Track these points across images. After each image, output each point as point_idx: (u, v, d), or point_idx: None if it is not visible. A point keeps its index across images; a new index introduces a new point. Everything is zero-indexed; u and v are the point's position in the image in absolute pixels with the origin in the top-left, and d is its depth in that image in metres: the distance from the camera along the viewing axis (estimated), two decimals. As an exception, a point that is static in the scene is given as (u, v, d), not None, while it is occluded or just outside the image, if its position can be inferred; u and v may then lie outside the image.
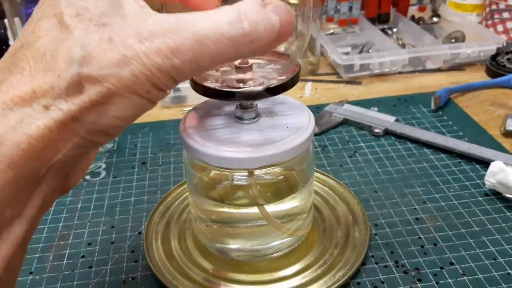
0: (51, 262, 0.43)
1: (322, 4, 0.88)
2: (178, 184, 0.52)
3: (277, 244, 0.42)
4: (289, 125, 0.38)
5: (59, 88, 0.23)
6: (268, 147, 0.36)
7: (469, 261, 0.42)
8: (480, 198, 0.49)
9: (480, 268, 0.41)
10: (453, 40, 0.84)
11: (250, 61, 0.37)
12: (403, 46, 0.85)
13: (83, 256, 0.44)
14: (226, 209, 0.41)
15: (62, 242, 0.45)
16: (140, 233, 0.46)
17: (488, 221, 0.46)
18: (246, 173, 0.38)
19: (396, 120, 0.62)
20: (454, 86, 0.70)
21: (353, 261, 0.41)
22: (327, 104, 0.67)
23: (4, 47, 0.76)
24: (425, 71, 0.78)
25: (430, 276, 0.40)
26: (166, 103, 0.70)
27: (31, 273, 0.42)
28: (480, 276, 0.40)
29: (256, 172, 0.38)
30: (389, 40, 0.83)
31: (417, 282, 0.40)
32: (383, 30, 0.89)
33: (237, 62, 0.37)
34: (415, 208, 0.48)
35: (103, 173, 0.55)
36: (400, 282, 0.40)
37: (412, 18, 0.94)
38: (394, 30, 0.91)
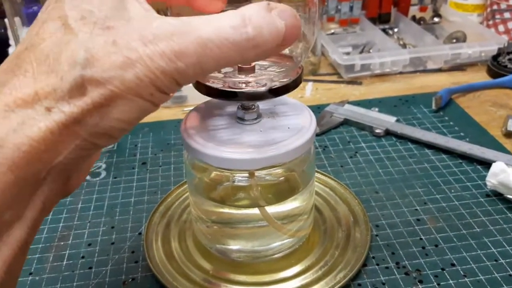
0: (51, 263, 0.43)
1: (323, 4, 0.88)
2: (179, 185, 0.52)
3: (278, 245, 0.42)
4: (290, 126, 0.38)
5: (62, 90, 0.23)
6: (269, 148, 0.36)
7: (471, 262, 0.42)
8: (482, 199, 0.49)
9: (482, 269, 0.41)
10: (454, 40, 0.83)
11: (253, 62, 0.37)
12: (404, 46, 0.84)
13: (83, 257, 0.44)
14: (226, 210, 0.41)
15: (62, 243, 0.45)
16: (140, 233, 0.46)
17: (489, 222, 0.46)
18: (247, 174, 0.38)
19: (397, 120, 0.62)
20: (455, 86, 0.70)
21: (354, 262, 0.41)
22: (327, 104, 0.67)
23: (5, 47, 0.76)
24: (426, 71, 0.78)
25: (431, 277, 0.40)
26: (166, 103, 0.70)
27: (31, 273, 0.42)
28: (481, 277, 0.40)
29: (257, 173, 0.38)
30: (390, 40, 0.83)
31: (418, 283, 0.40)
32: (384, 30, 0.88)
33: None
34: (416, 209, 0.48)
35: (103, 173, 0.55)
36: (401, 283, 0.40)
37: (413, 18, 0.94)
38: (395, 30, 0.91)
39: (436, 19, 0.93)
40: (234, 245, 0.42)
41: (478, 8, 0.94)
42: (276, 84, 0.36)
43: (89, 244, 0.45)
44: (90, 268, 0.42)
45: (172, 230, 0.46)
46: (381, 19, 0.92)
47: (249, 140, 0.37)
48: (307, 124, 0.39)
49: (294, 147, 0.36)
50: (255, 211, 0.39)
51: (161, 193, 0.51)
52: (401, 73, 0.77)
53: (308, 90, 0.74)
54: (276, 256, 0.42)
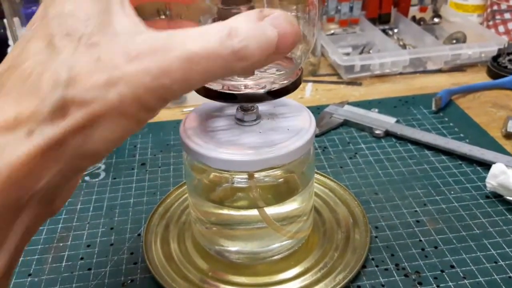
0: (50, 264, 0.43)
1: (322, 5, 0.88)
2: (178, 186, 0.52)
3: (277, 246, 0.41)
4: (290, 127, 0.38)
5: (43, 112, 0.22)
6: (268, 150, 0.36)
7: (470, 264, 0.42)
8: (481, 201, 0.49)
9: (481, 271, 0.41)
10: (454, 41, 0.83)
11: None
12: (404, 46, 0.84)
13: (82, 258, 0.44)
14: (225, 211, 0.41)
15: (61, 244, 0.45)
16: (139, 235, 0.46)
17: (489, 223, 0.46)
18: (246, 176, 0.38)
19: (397, 121, 0.62)
20: (455, 87, 0.70)
21: (353, 264, 0.41)
22: (327, 105, 0.67)
23: (4, 47, 0.76)
24: (426, 72, 0.78)
25: (431, 279, 0.40)
26: (166, 104, 0.69)
27: (29, 275, 0.42)
28: (481, 279, 0.40)
29: (256, 175, 0.38)
30: (390, 41, 0.83)
31: (418, 285, 0.40)
32: (383, 31, 0.88)
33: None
34: (416, 211, 0.48)
35: (103, 174, 0.55)
36: (401, 285, 0.40)
37: (413, 18, 0.94)
38: (395, 30, 0.91)
39: (436, 20, 0.93)
40: (233, 247, 0.42)
41: (478, 9, 0.94)
42: (276, 86, 0.35)
43: (88, 245, 0.45)
44: (89, 269, 0.42)
45: (171, 231, 0.46)
46: (381, 19, 0.92)
47: (249, 142, 0.37)
48: (307, 125, 0.39)
49: (293, 148, 0.36)
50: (254, 212, 0.39)
51: (160, 194, 0.51)
52: (401, 73, 0.77)
53: (308, 90, 0.74)
54: (275, 257, 0.42)
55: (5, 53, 0.75)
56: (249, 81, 0.36)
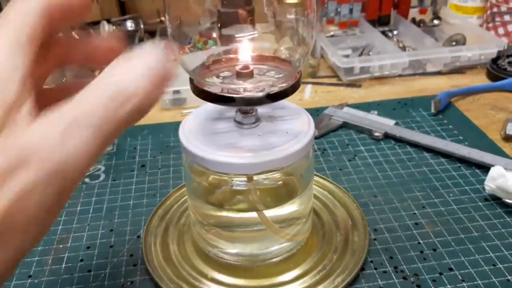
0: (50, 266, 0.43)
1: (322, 6, 0.88)
2: (177, 188, 0.52)
3: (276, 249, 0.42)
4: (288, 130, 0.38)
5: None
6: (267, 153, 0.36)
7: (469, 267, 0.42)
8: (480, 203, 0.49)
9: (480, 274, 0.41)
10: (453, 43, 0.83)
11: (251, 66, 0.37)
12: (403, 48, 0.84)
13: (82, 260, 0.44)
14: (225, 214, 0.41)
15: (61, 246, 0.45)
16: (139, 236, 0.46)
17: (487, 226, 0.46)
18: (245, 179, 0.38)
19: (396, 123, 0.62)
20: (454, 89, 0.70)
21: (352, 266, 0.41)
22: (326, 107, 0.67)
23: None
24: (425, 74, 0.78)
25: (429, 282, 0.40)
26: (165, 105, 0.70)
27: (30, 276, 0.42)
28: (479, 282, 0.40)
29: (256, 178, 0.38)
30: (389, 43, 0.83)
31: (416, 288, 0.40)
32: (383, 33, 0.89)
33: (238, 68, 0.37)
34: (415, 213, 0.48)
35: (102, 176, 0.55)
36: (399, 288, 0.40)
37: (413, 20, 0.94)
38: (395, 32, 0.91)
39: (436, 22, 0.94)
40: (232, 249, 0.42)
41: (478, 11, 0.94)
42: (275, 89, 0.36)
43: (88, 247, 0.45)
44: (89, 271, 0.42)
45: (170, 233, 0.46)
46: (380, 21, 0.93)
47: (248, 145, 0.37)
48: (305, 128, 0.39)
49: (292, 151, 0.36)
50: (253, 215, 0.39)
51: (160, 196, 0.52)
52: (400, 76, 0.77)
53: (307, 92, 0.74)
54: (274, 260, 0.42)
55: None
56: (248, 84, 0.36)
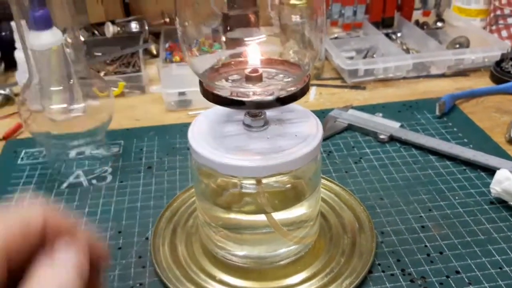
0: (59, 268, 0.43)
1: (326, 8, 0.88)
2: (184, 190, 0.52)
3: (284, 251, 0.42)
4: (297, 133, 0.39)
5: None
6: (276, 156, 0.36)
7: (475, 270, 0.42)
8: (486, 206, 0.49)
9: (486, 277, 0.41)
10: (457, 46, 0.84)
11: (260, 70, 0.37)
12: (407, 51, 0.85)
13: (90, 262, 0.44)
14: (233, 216, 0.41)
15: (70, 247, 0.45)
16: (147, 238, 0.46)
17: (493, 229, 0.46)
18: (254, 181, 0.38)
19: (401, 126, 0.62)
20: (458, 92, 0.70)
21: (359, 269, 0.42)
22: (331, 109, 0.67)
23: (11, 49, 0.76)
24: (429, 76, 0.78)
25: (437, 284, 0.41)
26: (171, 107, 0.70)
27: (39, 278, 0.42)
28: (486, 285, 0.40)
29: (264, 181, 0.38)
30: (393, 45, 0.83)
31: (424, 290, 0.40)
32: (387, 35, 0.89)
33: (247, 71, 0.37)
34: (421, 216, 0.48)
35: (110, 178, 0.55)
36: (407, 290, 0.40)
37: (417, 22, 0.94)
38: (398, 34, 0.91)
39: (439, 24, 0.94)
40: (240, 251, 0.42)
41: (482, 13, 0.94)
42: (284, 92, 0.36)
43: (96, 249, 0.45)
44: (98, 273, 0.43)
45: (178, 235, 0.47)
46: (384, 23, 0.93)
47: (257, 148, 0.37)
48: (314, 131, 0.39)
49: (301, 155, 0.37)
50: (262, 217, 0.40)
51: (167, 197, 0.52)
52: (404, 78, 0.78)
53: (312, 94, 0.74)
54: (282, 262, 0.42)
55: (12, 56, 0.75)
56: (257, 88, 0.36)
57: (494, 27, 0.90)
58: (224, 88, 0.37)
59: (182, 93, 0.69)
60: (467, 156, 0.56)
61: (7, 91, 0.73)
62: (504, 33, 0.88)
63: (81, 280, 0.21)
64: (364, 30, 0.92)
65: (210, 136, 0.39)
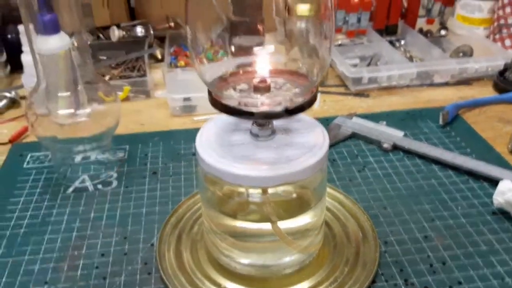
0: (66, 273, 0.44)
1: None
2: (189, 196, 0.52)
3: (288, 260, 0.42)
4: (304, 143, 0.39)
5: None
6: (283, 166, 0.36)
7: (477, 280, 0.42)
8: (488, 217, 0.50)
9: (488, 288, 0.42)
10: (461, 54, 0.84)
11: (269, 80, 0.38)
12: (410, 58, 0.85)
13: (97, 267, 0.44)
14: (238, 224, 0.42)
15: (76, 252, 0.46)
16: (152, 244, 0.47)
17: (496, 240, 0.47)
18: (260, 190, 0.39)
19: (405, 135, 0.63)
20: (462, 101, 0.70)
21: (363, 279, 0.42)
22: (335, 117, 0.67)
23: (17, 52, 0.77)
24: (433, 85, 0.78)
25: (439, 295, 0.41)
26: (176, 112, 0.70)
27: (46, 283, 0.43)
28: (488, 296, 0.41)
29: (270, 190, 0.38)
30: (397, 53, 0.84)
31: (426, 301, 0.41)
32: (390, 42, 0.89)
33: (255, 81, 0.38)
34: (424, 226, 0.48)
35: (115, 183, 0.56)
36: (410, 300, 0.41)
37: (420, 30, 0.95)
38: (402, 42, 0.91)
39: (443, 32, 0.94)
40: (245, 259, 0.43)
41: (485, 22, 0.95)
42: (292, 103, 0.36)
43: (103, 254, 0.46)
44: (104, 278, 0.43)
45: (183, 241, 0.47)
46: (388, 30, 0.93)
47: (263, 157, 0.38)
48: (320, 141, 0.39)
49: (307, 165, 0.37)
50: (267, 225, 0.40)
51: (172, 203, 0.52)
52: (408, 86, 0.78)
53: (316, 102, 0.74)
54: (286, 271, 0.42)
55: (17, 57, 0.76)
56: (265, 99, 0.37)
57: (497, 36, 0.90)
58: (232, 98, 0.37)
59: (187, 99, 0.70)
60: (469, 166, 0.56)
61: (12, 94, 0.74)
62: (507, 42, 0.89)
63: None
64: (368, 37, 0.92)
65: (217, 144, 0.39)
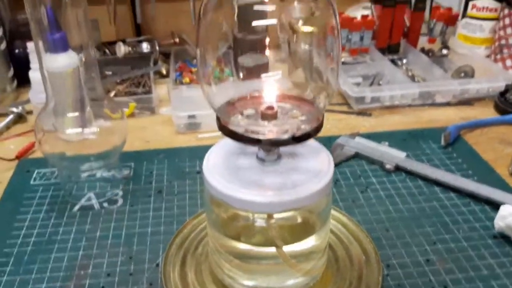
0: (72, 292, 0.44)
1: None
2: (194, 216, 0.53)
3: (292, 283, 0.43)
4: (309, 168, 0.40)
5: None
6: (289, 192, 0.37)
7: (479, 305, 0.43)
8: (489, 241, 0.50)
9: (490, 313, 0.42)
10: (462, 74, 0.85)
11: (275, 106, 0.38)
12: (412, 77, 0.86)
13: (103, 287, 0.45)
14: (243, 246, 0.42)
15: (82, 272, 0.46)
16: (157, 265, 0.47)
17: (497, 264, 0.47)
18: (266, 216, 0.39)
19: (407, 156, 0.64)
20: (463, 122, 0.71)
21: (366, 302, 0.42)
22: (338, 136, 0.68)
23: (25, 69, 0.77)
24: (434, 104, 0.79)
25: (441, 320, 0.42)
26: (181, 129, 0.71)
27: (52, 303, 0.43)
28: (489, 321, 0.41)
29: (276, 215, 0.39)
30: (399, 71, 0.85)
31: (428, 326, 0.41)
32: (392, 61, 0.90)
33: (262, 108, 0.38)
34: (426, 249, 0.49)
35: (120, 201, 0.56)
36: (412, 325, 0.41)
37: (422, 49, 0.96)
38: (404, 61, 0.92)
39: (444, 51, 0.95)
40: (249, 281, 0.43)
41: (486, 42, 0.96)
42: (298, 131, 0.37)
43: (108, 274, 0.46)
44: (110, 299, 0.44)
45: (188, 262, 0.47)
46: (390, 49, 0.94)
47: (269, 183, 0.38)
48: (326, 167, 0.40)
49: (314, 191, 0.38)
50: (271, 249, 0.40)
51: (177, 223, 0.53)
52: (410, 105, 0.79)
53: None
54: (290, 294, 0.43)
55: (24, 72, 0.76)
56: (272, 126, 0.38)
57: (498, 56, 0.91)
58: (239, 125, 0.38)
59: (191, 116, 0.71)
60: (471, 188, 0.57)
61: (19, 109, 0.74)
62: (508, 62, 0.90)
63: None
64: (371, 55, 0.93)
65: (224, 168, 0.40)
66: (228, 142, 0.43)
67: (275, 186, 0.38)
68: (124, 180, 0.60)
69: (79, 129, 0.53)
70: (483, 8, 0.94)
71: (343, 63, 0.91)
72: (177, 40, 0.95)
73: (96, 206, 0.55)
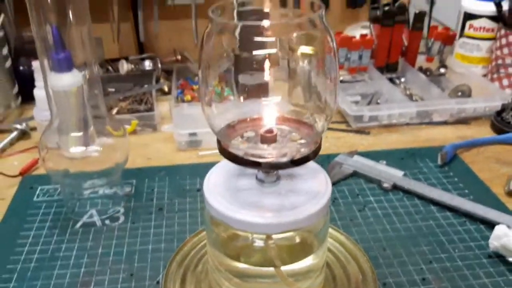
0: (74, 310, 0.45)
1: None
2: (194, 234, 0.54)
3: (291, 301, 0.43)
4: (307, 189, 0.41)
5: None
6: (287, 214, 0.38)
7: (473, 325, 0.44)
8: (484, 260, 0.51)
9: (484, 333, 0.43)
10: (459, 94, 0.86)
11: (275, 129, 0.39)
12: (410, 96, 0.87)
13: (104, 305, 0.46)
14: (241, 265, 0.43)
15: (84, 289, 0.47)
16: (158, 282, 0.48)
17: (491, 284, 0.48)
18: (265, 236, 0.40)
19: (404, 174, 0.65)
20: (460, 141, 0.72)
21: (362, 322, 0.43)
22: (337, 154, 0.69)
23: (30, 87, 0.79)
24: (432, 123, 0.81)
25: None
26: (182, 146, 0.72)
27: (54, 320, 0.44)
28: None
29: (275, 236, 0.40)
30: (397, 90, 0.86)
31: None
32: (391, 79, 0.92)
33: (262, 131, 0.40)
34: (422, 268, 0.50)
35: (122, 218, 0.57)
36: None
37: (420, 68, 0.97)
38: (402, 79, 0.94)
39: (442, 70, 0.97)
40: (248, 300, 0.44)
41: (483, 61, 0.97)
42: (297, 154, 0.38)
43: (110, 292, 0.47)
44: (111, 316, 0.44)
45: (188, 280, 0.48)
46: (388, 68, 0.96)
47: (268, 204, 0.39)
48: (323, 188, 0.41)
49: (312, 212, 0.39)
50: (270, 268, 0.41)
51: (177, 241, 0.54)
52: (407, 124, 0.80)
53: (318, 138, 0.77)
54: (288, 312, 0.44)
55: (29, 89, 0.77)
56: (272, 150, 0.39)
57: (495, 76, 0.93)
58: (239, 149, 0.39)
59: (192, 134, 0.72)
60: (466, 208, 0.58)
61: (23, 125, 0.76)
62: (505, 81, 0.91)
63: None
64: (369, 74, 0.95)
65: (224, 189, 0.41)
66: (228, 162, 0.44)
67: (274, 208, 0.39)
68: (126, 198, 0.61)
69: (83, 148, 0.54)
70: (480, 28, 0.95)
71: (342, 81, 0.93)
72: (179, 57, 0.97)
73: (98, 223, 0.56)
